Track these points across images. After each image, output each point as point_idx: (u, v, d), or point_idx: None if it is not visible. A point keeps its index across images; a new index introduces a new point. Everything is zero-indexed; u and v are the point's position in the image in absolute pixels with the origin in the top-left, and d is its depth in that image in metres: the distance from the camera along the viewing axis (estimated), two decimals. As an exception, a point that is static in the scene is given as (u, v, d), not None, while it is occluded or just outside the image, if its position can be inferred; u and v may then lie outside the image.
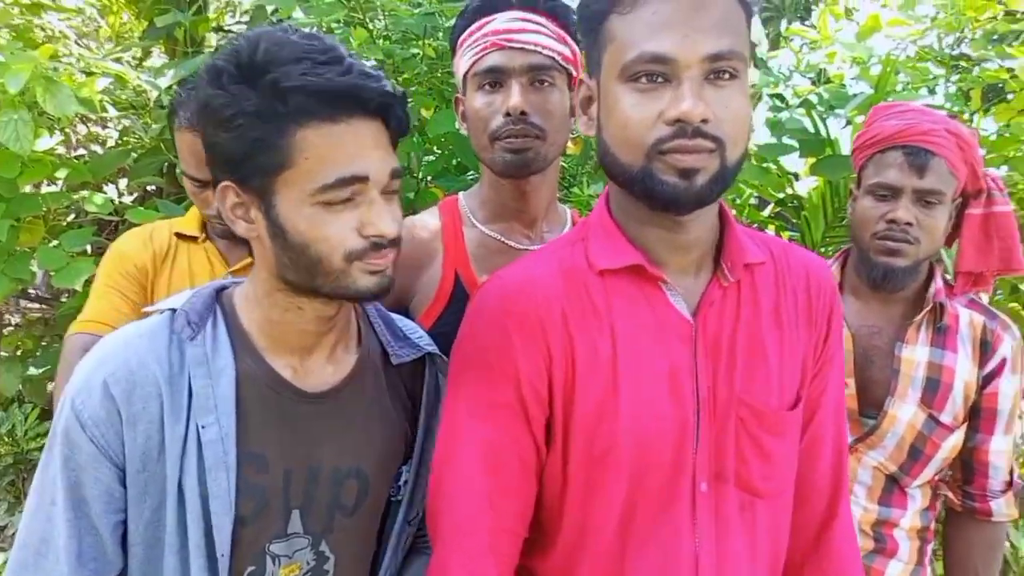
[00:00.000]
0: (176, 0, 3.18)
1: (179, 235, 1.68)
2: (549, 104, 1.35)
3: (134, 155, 2.86)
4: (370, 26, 2.66)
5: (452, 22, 2.39)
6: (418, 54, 2.44)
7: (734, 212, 2.58)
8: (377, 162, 0.93)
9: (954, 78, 3.03)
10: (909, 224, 1.52)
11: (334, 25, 2.56)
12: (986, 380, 1.58)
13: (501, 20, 1.36)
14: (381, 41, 2.44)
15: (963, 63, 2.91)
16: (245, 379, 1.00)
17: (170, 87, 2.58)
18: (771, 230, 2.95)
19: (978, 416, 1.59)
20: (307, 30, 0.95)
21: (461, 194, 1.54)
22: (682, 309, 1.01)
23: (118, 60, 3.15)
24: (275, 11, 2.81)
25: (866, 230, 1.56)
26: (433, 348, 1.19)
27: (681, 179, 0.91)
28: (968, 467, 1.62)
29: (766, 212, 2.96)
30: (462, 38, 1.41)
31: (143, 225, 1.76)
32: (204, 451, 0.95)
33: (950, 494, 1.66)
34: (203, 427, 0.95)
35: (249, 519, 0.98)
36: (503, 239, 1.45)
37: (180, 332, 0.98)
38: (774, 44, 4.43)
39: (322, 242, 0.92)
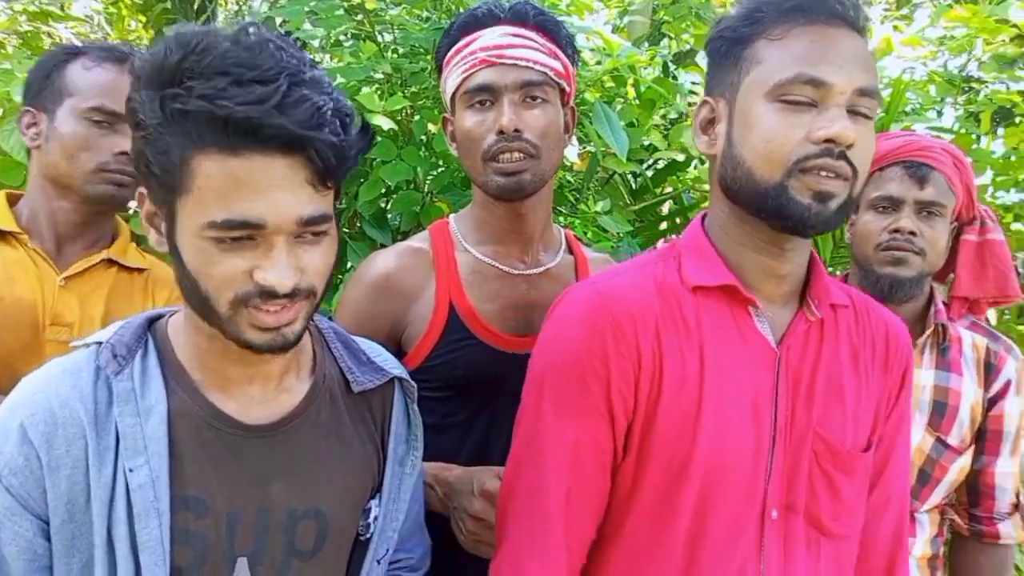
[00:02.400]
0: (184, 9, 3.19)
1: None
2: (543, 121, 1.30)
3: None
4: (379, 39, 2.65)
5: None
6: (426, 68, 2.43)
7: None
8: (280, 207, 0.81)
9: (962, 99, 3.02)
10: (913, 234, 1.53)
11: (342, 38, 2.56)
12: (991, 402, 1.59)
13: (490, 36, 1.31)
14: (390, 54, 2.43)
15: (973, 84, 2.91)
16: (179, 415, 0.91)
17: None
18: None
19: (984, 438, 1.59)
20: (271, 33, 0.83)
21: (452, 217, 1.47)
22: (768, 336, 1.04)
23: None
24: (284, 22, 2.81)
25: (869, 243, 1.57)
26: (401, 372, 1.09)
27: (816, 201, 0.94)
28: (974, 490, 1.61)
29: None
30: (448, 56, 1.36)
31: None
32: (132, 496, 0.86)
33: (957, 518, 1.65)
34: (131, 470, 0.86)
35: (187, 570, 0.89)
36: (497, 264, 1.39)
37: (106, 367, 0.89)
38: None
39: (208, 280, 0.84)
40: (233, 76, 0.78)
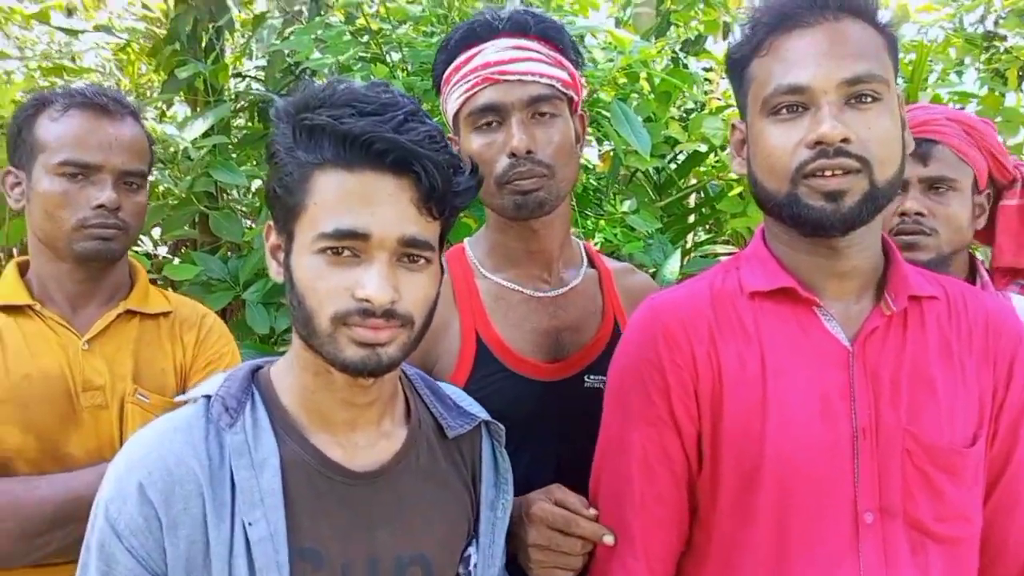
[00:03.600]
0: (193, 49, 3.21)
1: (4, 308, 1.36)
2: (555, 137, 1.24)
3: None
4: (387, 60, 2.65)
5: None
6: (439, 85, 2.42)
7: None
8: (384, 221, 0.86)
9: (983, 58, 2.95)
10: (920, 214, 1.46)
11: (352, 63, 2.56)
12: None
13: (491, 51, 1.24)
14: (401, 75, 2.42)
15: (995, 42, 2.84)
16: (291, 465, 0.92)
17: (196, 139, 2.59)
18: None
19: None
20: (400, 90, 0.92)
21: (466, 241, 1.41)
22: (838, 335, 1.03)
23: (159, 115, 3.18)
24: (291, 53, 2.82)
25: (883, 227, 1.51)
26: (486, 416, 1.10)
27: (828, 202, 0.95)
28: None
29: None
30: (447, 74, 1.29)
31: None
32: (253, 551, 0.87)
33: None
34: (250, 524, 0.87)
35: None
36: (519, 288, 1.33)
37: (218, 420, 0.91)
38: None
39: (313, 295, 0.87)
40: (357, 108, 0.86)
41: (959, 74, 2.93)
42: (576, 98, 1.32)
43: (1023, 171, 1.56)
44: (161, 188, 3.08)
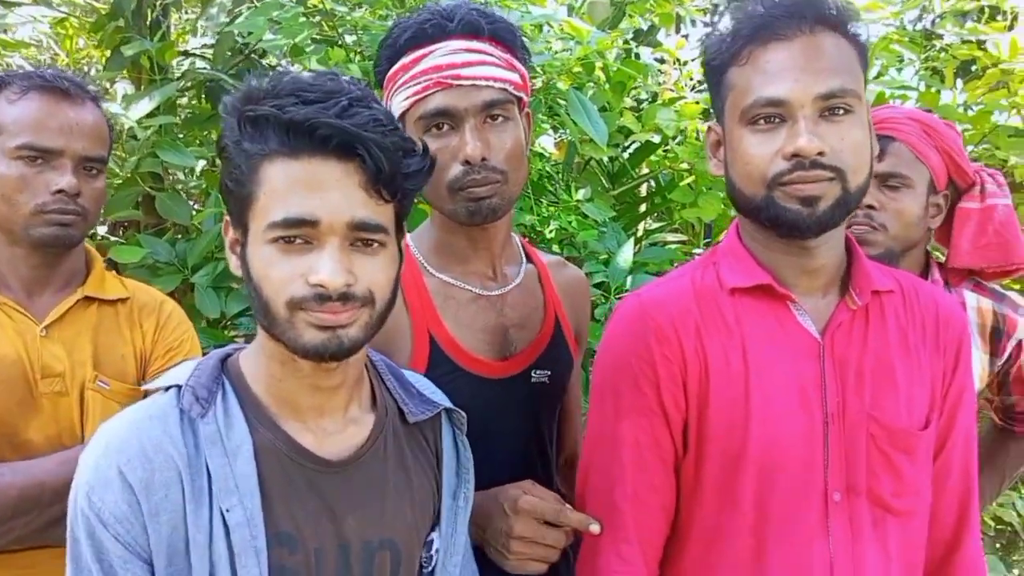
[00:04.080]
0: (138, 26, 3.11)
1: None
2: (508, 142, 1.23)
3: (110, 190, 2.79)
4: (341, 43, 2.62)
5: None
6: (395, 69, 2.41)
7: (723, 206, 2.59)
8: (332, 206, 0.87)
9: (923, 56, 3.06)
10: (872, 207, 1.51)
11: (305, 45, 2.52)
12: (1006, 364, 1.59)
13: (441, 53, 1.20)
14: (357, 59, 2.40)
15: (935, 41, 2.95)
16: (264, 452, 0.93)
17: (142, 118, 2.52)
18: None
19: (1010, 386, 1.64)
20: (349, 77, 0.92)
21: (409, 237, 1.36)
22: (810, 328, 1.10)
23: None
24: (242, 33, 2.76)
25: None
26: (448, 403, 1.12)
27: (803, 206, 1.01)
28: (1007, 399, 1.67)
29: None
30: (393, 71, 1.25)
31: None
32: (232, 536, 0.88)
33: (992, 413, 1.72)
34: (227, 510, 0.89)
35: None
36: (467, 287, 1.32)
37: (189, 410, 0.92)
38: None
39: (267, 284, 0.89)
40: (301, 97, 0.87)
41: (898, 71, 3.04)
42: (525, 98, 1.31)
43: (983, 176, 1.60)
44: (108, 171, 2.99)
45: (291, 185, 0.87)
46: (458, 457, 1.12)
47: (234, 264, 0.96)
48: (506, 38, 1.26)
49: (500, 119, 1.23)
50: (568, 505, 1.17)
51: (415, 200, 1.03)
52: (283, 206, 0.87)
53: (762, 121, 1.03)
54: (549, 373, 1.36)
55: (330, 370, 0.96)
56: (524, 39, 1.32)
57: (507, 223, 1.37)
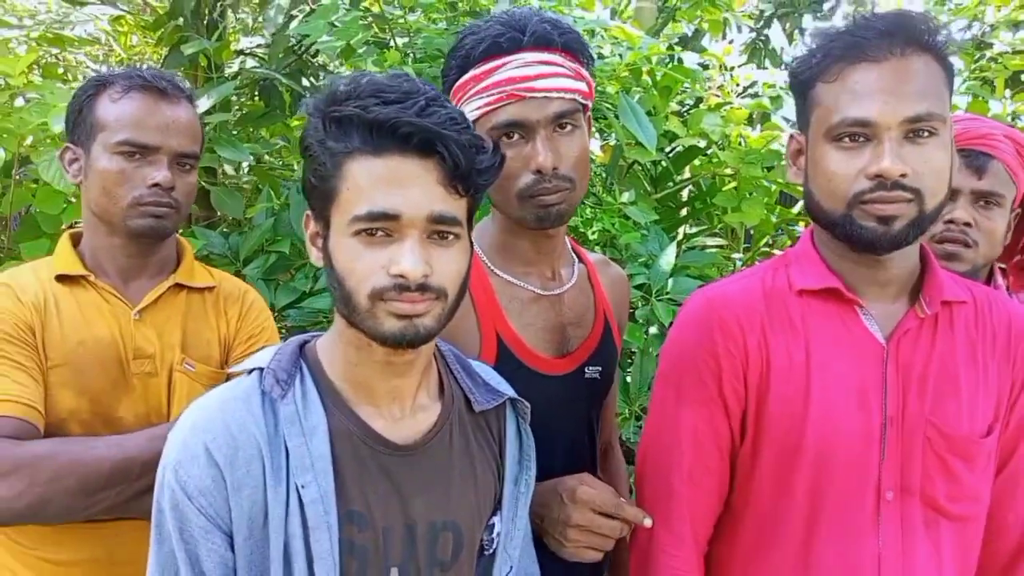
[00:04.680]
0: (196, 25, 3.21)
1: (60, 278, 1.41)
2: (577, 151, 1.26)
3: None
4: (393, 45, 2.68)
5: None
6: (447, 71, 2.46)
7: (765, 211, 2.60)
8: (413, 201, 0.91)
9: (973, 66, 3.04)
10: (968, 225, 1.51)
11: (359, 47, 2.59)
12: None
13: (515, 65, 1.22)
14: (411, 61, 2.46)
15: (985, 51, 2.93)
16: (338, 435, 0.98)
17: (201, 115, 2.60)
18: (801, 226, 2.97)
19: None
20: (422, 79, 0.97)
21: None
22: (876, 333, 1.13)
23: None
24: (303, 37, 2.84)
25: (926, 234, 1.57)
26: (513, 393, 1.15)
27: (880, 224, 1.05)
28: None
29: (796, 209, 2.98)
30: (464, 81, 1.26)
31: None
32: (306, 511, 0.93)
33: None
34: (303, 487, 0.93)
35: None
36: (531, 287, 1.35)
37: (271, 391, 0.97)
38: (789, 38, 4.47)
39: (351, 275, 0.93)
40: (381, 98, 0.91)
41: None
42: (590, 104, 1.35)
43: None
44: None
45: (374, 181, 0.91)
46: (521, 445, 1.15)
47: (315, 256, 1.00)
48: (576, 49, 1.28)
49: (569, 128, 1.26)
50: (624, 498, 1.22)
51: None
52: (367, 201, 0.91)
53: (847, 139, 1.06)
54: (600, 369, 1.40)
55: (404, 358, 1.00)
56: (587, 43, 1.35)
57: (565, 227, 1.40)
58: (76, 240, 1.48)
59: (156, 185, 1.39)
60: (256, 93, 3.37)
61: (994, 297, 1.21)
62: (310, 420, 0.97)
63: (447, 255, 0.95)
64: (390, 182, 0.91)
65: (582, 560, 1.21)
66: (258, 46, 3.43)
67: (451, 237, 0.95)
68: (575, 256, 1.49)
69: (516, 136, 1.24)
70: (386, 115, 0.90)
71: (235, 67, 3.39)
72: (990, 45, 3.03)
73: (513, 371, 1.28)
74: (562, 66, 1.25)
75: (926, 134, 1.04)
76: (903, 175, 1.02)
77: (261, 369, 1.00)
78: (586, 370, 1.38)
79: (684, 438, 1.18)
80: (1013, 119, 2.87)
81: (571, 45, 1.28)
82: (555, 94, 1.23)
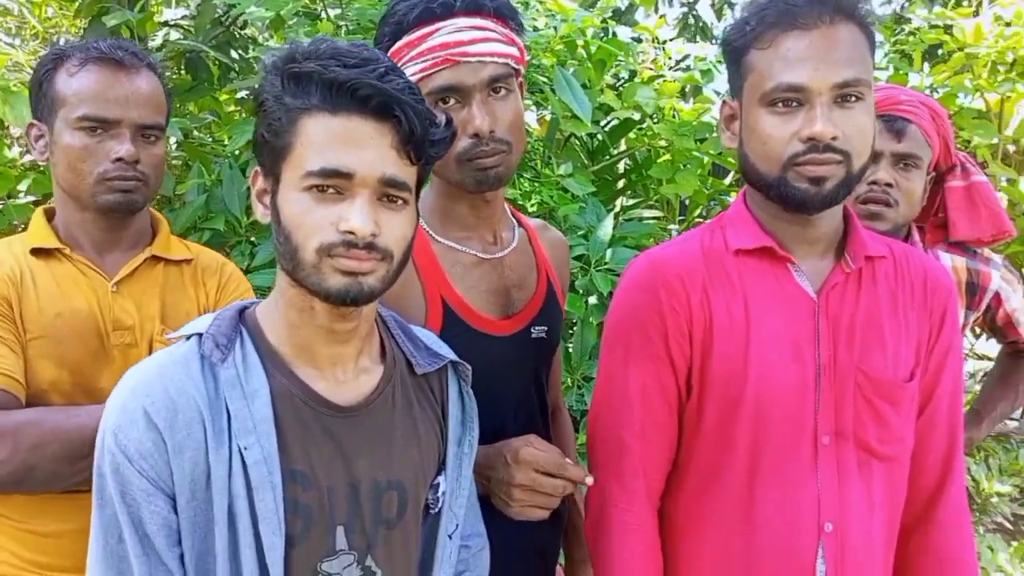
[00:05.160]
0: (116, -4, 3.08)
1: (35, 251, 1.41)
2: (511, 114, 1.29)
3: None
4: (324, 16, 2.63)
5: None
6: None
7: (699, 183, 2.67)
8: (367, 161, 0.93)
9: (892, 39, 3.16)
10: (889, 185, 1.60)
11: (289, 17, 2.53)
12: (987, 313, 1.76)
13: (448, 31, 1.24)
14: (342, 33, 2.42)
15: (904, 25, 3.04)
16: (280, 396, 0.99)
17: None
18: (733, 196, 3.05)
19: (1001, 331, 1.82)
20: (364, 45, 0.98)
21: None
22: (807, 287, 1.20)
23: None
24: (224, 4, 2.76)
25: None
26: (454, 356, 1.17)
27: (811, 185, 1.11)
28: (1006, 340, 1.86)
29: (727, 180, 3.06)
30: (397, 48, 1.27)
31: None
32: (249, 472, 0.94)
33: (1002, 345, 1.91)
34: (245, 448, 0.95)
35: (298, 539, 0.98)
36: (473, 251, 1.38)
37: (210, 356, 0.97)
38: (718, 13, 4.55)
39: (299, 229, 0.94)
40: (342, 60, 0.93)
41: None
42: (522, 70, 1.37)
43: (962, 157, 1.74)
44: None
45: (329, 139, 0.92)
46: (463, 407, 1.18)
47: (260, 212, 1.01)
48: (507, 14, 1.31)
49: (503, 92, 1.29)
50: (567, 459, 1.24)
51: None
52: (320, 157, 0.92)
53: (781, 104, 1.10)
54: (546, 329, 1.44)
55: (346, 317, 1.01)
56: (518, 10, 1.37)
57: (503, 190, 1.44)
58: (50, 216, 1.47)
59: (120, 160, 1.37)
60: (182, 66, 3.26)
61: (910, 252, 1.29)
62: (251, 383, 0.98)
63: (395, 219, 0.97)
64: (346, 141, 0.93)
65: (529, 519, 1.24)
66: (183, 17, 3.32)
67: (400, 202, 0.97)
68: (515, 221, 1.51)
69: (452, 101, 1.26)
70: (347, 75, 0.91)
71: (159, 39, 3.27)
72: (908, 20, 3.15)
73: (460, 334, 1.31)
74: (494, 31, 1.27)
75: (853, 99, 1.09)
76: (834, 138, 1.08)
77: (200, 334, 1.00)
78: (532, 330, 1.42)
79: (634, 394, 1.22)
80: (932, 91, 3.00)
81: (502, 11, 1.30)
82: (488, 58, 1.25)
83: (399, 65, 1.25)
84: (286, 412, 0.99)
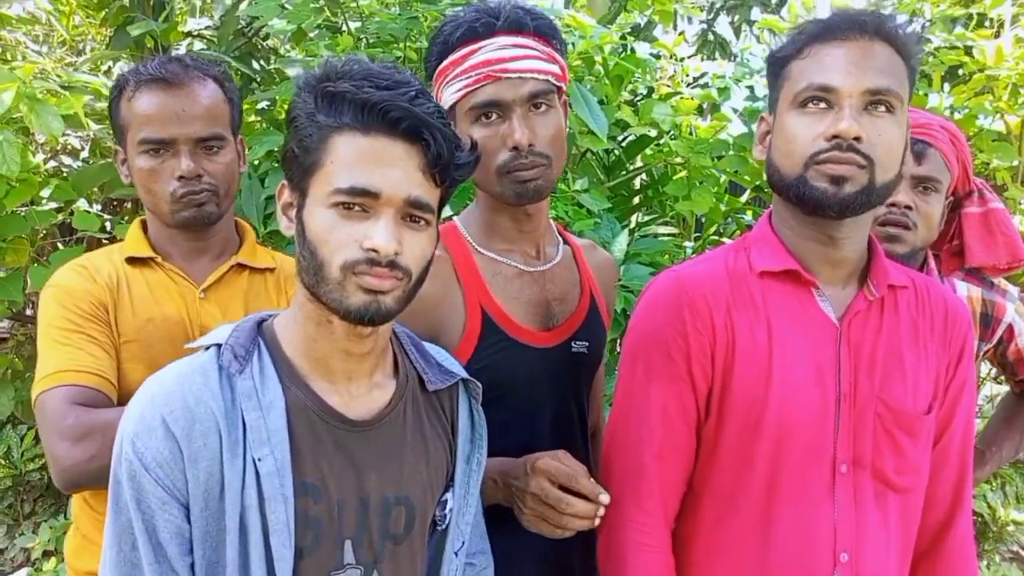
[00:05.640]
0: (141, 5, 3.13)
1: (130, 260, 1.49)
2: (552, 129, 1.33)
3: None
4: (345, 29, 2.66)
5: (432, 23, 2.42)
6: (401, 56, 2.46)
7: (715, 200, 2.67)
8: (393, 181, 0.95)
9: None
10: (908, 208, 1.58)
11: (314, 32, 2.57)
12: (999, 347, 1.74)
13: (491, 49, 1.30)
14: (363, 46, 2.45)
15: (923, 46, 3.03)
16: (295, 409, 1.00)
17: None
18: (748, 215, 3.04)
19: (1010, 368, 1.78)
20: (398, 66, 1.00)
21: (457, 219, 1.48)
22: (830, 313, 1.20)
23: (93, 70, 3.10)
24: (253, 19, 2.79)
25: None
26: (465, 374, 1.19)
27: (831, 185, 1.10)
28: (1013, 369, 1.83)
29: (744, 198, 3.05)
30: (444, 67, 1.34)
31: (72, 261, 1.52)
32: (262, 483, 0.95)
33: (1009, 384, 1.88)
34: (259, 460, 0.96)
35: (307, 551, 0.99)
36: (514, 263, 1.42)
37: (228, 367, 0.99)
38: (736, 31, 4.55)
39: (325, 245, 0.95)
40: (374, 82, 0.95)
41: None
42: (564, 87, 1.40)
43: (979, 183, 1.73)
44: (108, 145, 3.03)
45: (359, 157, 0.94)
46: (473, 425, 1.18)
47: (284, 225, 1.04)
48: (547, 33, 1.35)
49: (544, 107, 1.33)
50: (585, 474, 1.22)
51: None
52: (349, 175, 0.94)
53: (811, 104, 1.11)
54: (587, 344, 1.46)
55: (363, 336, 1.02)
56: (560, 30, 1.42)
57: (547, 206, 1.48)
58: (145, 227, 1.56)
59: (182, 177, 1.43)
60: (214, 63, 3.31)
61: (931, 283, 1.28)
62: (267, 395, 0.99)
63: (417, 238, 0.98)
64: (374, 160, 0.94)
65: (541, 533, 1.23)
66: (207, 28, 3.36)
67: (422, 222, 0.99)
68: (560, 238, 1.54)
69: (494, 116, 1.31)
70: (379, 97, 0.93)
71: (183, 49, 3.32)
72: (928, 40, 3.14)
73: (498, 342, 1.36)
74: (535, 49, 1.32)
75: (883, 108, 1.10)
76: (857, 138, 1.07)
77: (219, 345, 1.01)
78: (573, 344, 1.44)
79: (654, 414, 1.21)
80: (952, 113, 2.98)
81: (543, 30, 1.35)
82: (529, 75, 1.30)
83: (446, 82, 1.34)
84: (300, 424, 1.00)
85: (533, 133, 1.31)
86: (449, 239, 1.43)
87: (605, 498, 1.19)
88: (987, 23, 3.06)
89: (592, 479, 1.21)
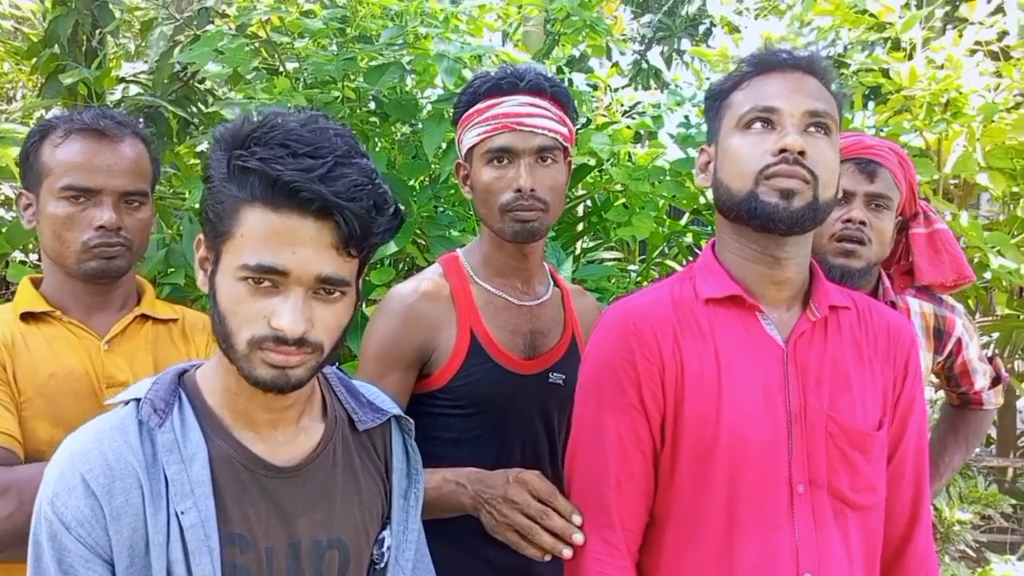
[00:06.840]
0: (73, 53, 3.10)
1: (25, 316, 1.45)
2: (553, 180, 1.51)
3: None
4: (283, 71, 2.67)
5: (368, 62, 2.45)
6: (339, 97, 2.48)
7: (655, 224, 2.73)
8: (303, 260, 0.93)
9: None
10: (863, 224, 1.65)
11: (251, 74, 2.57)
12: (947, 359, 1.82)
13: (511, 104, 1.49)
14: (300, 87, 2.46)
15: (843, 70, 3.18)
16: (218, 460, 0.99)
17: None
18: (689, 237, 3.12)
19: (955, 380, 1.87)
20: (335, 124, 0.99)
21: (460, 252, 1.65)
22: (775, 335, 1.23)
23: (24, 119, 3.04)
24: (186, 66, 2.78)
25: (824, 234, 1.66)
26: (397, 411, 1.19)
27: (781, 199, 1.15)
28: (958, 389, 1.91)
29: (683, 220, 3.13)
30: (468, 114, 1.54)
31: None
32: (186, 536, 0.94)
33: (947, 396, 1.95)
34: (182, 512, 0.95)
35: None
36: (506, 296, 1.58)
37: (148, 420, 0.98)
38: (667, 61, 4.70)
39: (233, 317, 0.95)
40: (291, 149, 0.92)
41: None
42: (570, 148, 1.58)
43: (923, 206, 1.83)
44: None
45: (268, 234, 0.92)
46: (408, 460, 1.19)
47: (201, 280, 1.02)
48: (562, 99, 1.55)
49: (549, 161, 1.51)
50: (560, 495, 1.28)
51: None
52: (256, 252, 0.92)
53: (756, 124, 1.18)
54: (564, 377, 1.58)
55: (280, 400, 1.02)
56: (574, 101, 1.62)
57: (541, 248, 1.65)
58: (37, 284, 1.52)
59: (102, 227, 1.41)
60: (141, 121, 3.28)
61: (872, 303, 1.34)
62: (189, 447, 0.98)
63: (329, 311, 0.97)
64: (284, 239, 0.92)
65: (503, 538, 1.28)
66: (141, 72, 3.34)
67: (336, 294, 0.98)
68: (552, 280, 1.69)
69: (505, 161, 1.50)
70: (290, 177, 0.90)
71: (118, 95, 3.28)
72: (847, 64, 3.29)
73: (482, 363, 1.52)
74: (549, 110, 1.52)
75: (822, 132, 1.17)
76: (802, 152, 1.13)
77: (138, 400, 1.00)
78: (550, 375, 1.58)
79: (609, 446, 1.22)
80: (876, 131, 3.12)
81: (559, 96, 1.54)
82: (540, 131, 1.49)
83: (470, 126, 1.53)
84: (224, 475, 1.00)
85: (536, 180, 1.48)
86: (450, 269, 1.61)
87: (578, 519, 1.23)
88: (904, 45, 3.21)
89: (568, 500, 1.27)
